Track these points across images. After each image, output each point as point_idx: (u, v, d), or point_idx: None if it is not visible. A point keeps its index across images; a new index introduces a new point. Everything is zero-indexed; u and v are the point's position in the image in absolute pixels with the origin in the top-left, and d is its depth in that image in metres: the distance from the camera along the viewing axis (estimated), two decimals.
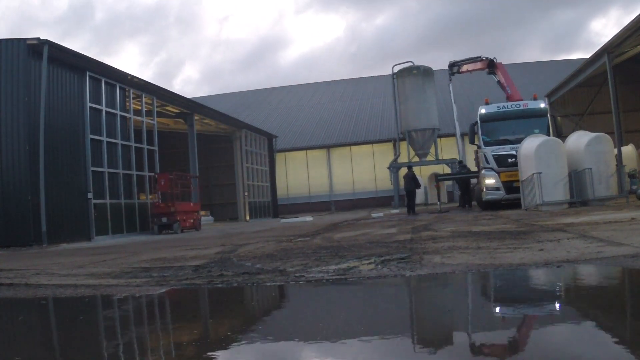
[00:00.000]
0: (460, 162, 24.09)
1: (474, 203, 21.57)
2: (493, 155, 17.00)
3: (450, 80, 28.19)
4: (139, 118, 19.29)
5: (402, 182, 24.22)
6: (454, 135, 36.99)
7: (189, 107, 24.16)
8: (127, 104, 18.88)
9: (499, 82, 23.26)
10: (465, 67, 25.43)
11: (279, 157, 37.79)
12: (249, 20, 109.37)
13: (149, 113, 19.99)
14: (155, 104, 20.36)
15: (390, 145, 37.73)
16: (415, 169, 34.29)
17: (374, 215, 21.31)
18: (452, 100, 29.71)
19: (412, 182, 20.30)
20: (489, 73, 24.16)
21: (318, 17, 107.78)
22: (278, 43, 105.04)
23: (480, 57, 26.03)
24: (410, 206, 20.02)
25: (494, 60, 23.78)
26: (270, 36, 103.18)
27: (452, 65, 27.21)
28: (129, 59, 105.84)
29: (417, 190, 33.51)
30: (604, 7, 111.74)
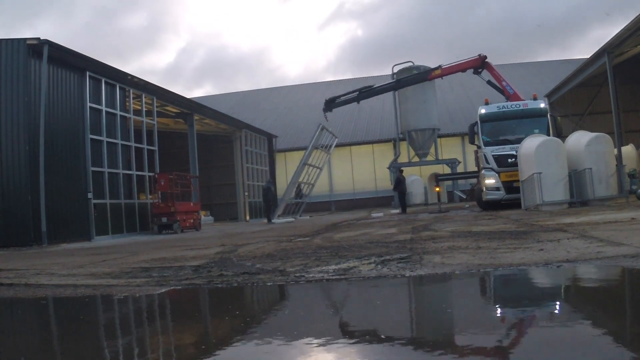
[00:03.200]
0: (269, 180, 24.40)
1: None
2: (493, 155, 16.99)
3: (326, 117, 26.73)
4: (139, 118, 19.29)
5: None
6: (454, 135, 37.08)
7: (189, 107, 24.16)
8: (127, 104, 18.88)
9: (489, 82, 23.14)
10: (447, 70, 24.97)
11: (279, 157, 37.76)
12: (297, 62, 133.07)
13: (149, 113, 19.99)
14: (155, 104, 20.36)
15: (390, 145, 37.72)
16: (415, 169, 34.43)
17: (374, 215, 21.31)
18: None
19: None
20: (475, 73, 23.93)
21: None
22: (316, 77, 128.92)
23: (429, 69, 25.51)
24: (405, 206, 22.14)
25: (485, 58, 23.52)
26: (308, 74, 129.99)
27: (329, 101, 26.60)
28: (203, 91, 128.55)
29: (417, 191, 33.60)
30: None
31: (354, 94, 26.40)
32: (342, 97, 26.29)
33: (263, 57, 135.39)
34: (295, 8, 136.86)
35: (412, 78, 26.56)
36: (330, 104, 26.60)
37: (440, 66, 25.20)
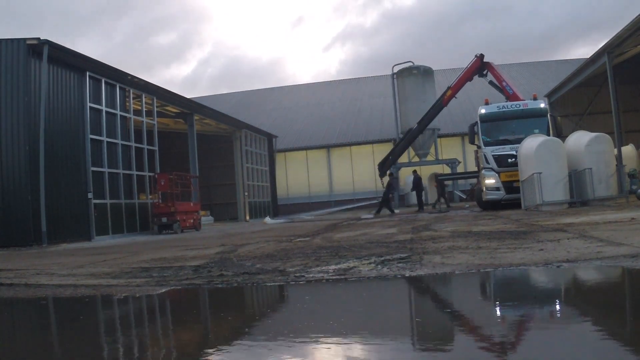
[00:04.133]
0: (391, 174, 25.58)
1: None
2: (493, 155, 17.00)
3: (382, 183, 27.22)
4: (139, 118, 19.29)
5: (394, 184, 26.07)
6: (454, 135, 37.08)
7: (189, 107, 24.16)
8: (127, 104, 18.88)
9: (490, 82, 23.18)
10: (456, 87, 25.12)
11: (279, 157, 37.76)
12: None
13: (149, 113, 20.00)
14: (155, 104, 20.36)
15: (390, 145, 37.63)
16: (416, 169, 34.46)
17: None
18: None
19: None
20: (481, 76, 23.96)
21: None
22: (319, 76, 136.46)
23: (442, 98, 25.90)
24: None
25: (483, 57, 23.56)
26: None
27: (381, 165, 27.63)
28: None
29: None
30: None
31: (396, 150, 28.54)
32: (387, 162, 28.13)
33: (275, 68, 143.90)
34: (304, 31, 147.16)
35: (431, 113, 26.92)
36: (383, 168, 28.15)
37: (449, 87, 25.34)
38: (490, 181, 16.90)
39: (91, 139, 16.08)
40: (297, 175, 39.64)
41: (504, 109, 17.67)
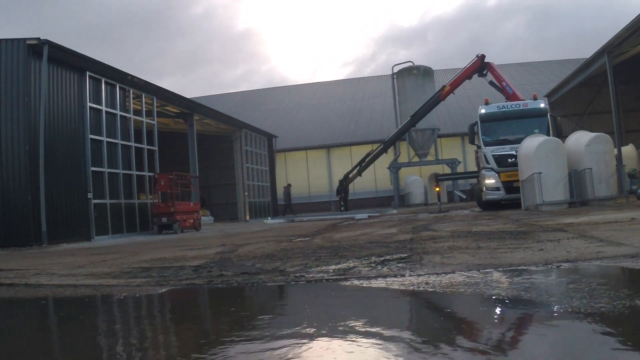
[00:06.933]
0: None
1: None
2: (493, 155, 17.00)
3: None
4: (139, 118, 19.28)
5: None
6: (454, 135, 37.10)
7: (189, 107, 24.16)
8: (127, 104, 18.87)
9: (491, 82, 23.21)
10: (455, 83, 25.13)
11: (279, 157, 37.77)
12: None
13: (149, 113, 19.98)
14: (155, 104, 20.35)
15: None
16: (415, 169, 34.42)
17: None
18: None
19: None
20: (480, 75, 23.98)
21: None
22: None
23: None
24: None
25: (484, 57, 23.60)
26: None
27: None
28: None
29: (417, 191, 33.55)
30: None
31: (387, 141, 29.29)
32: (370, 157, 29.45)
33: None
34: (318, 79, 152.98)
35: (426, 108, 26.99)
36: (361, 172, 29.71)
37: (447, 83, 25.37)
38: (490, 181, 16.91)
39: (91, 138, 16.07)
40: (297, 175, 39.63)
41: (504, 109, 17.66)
